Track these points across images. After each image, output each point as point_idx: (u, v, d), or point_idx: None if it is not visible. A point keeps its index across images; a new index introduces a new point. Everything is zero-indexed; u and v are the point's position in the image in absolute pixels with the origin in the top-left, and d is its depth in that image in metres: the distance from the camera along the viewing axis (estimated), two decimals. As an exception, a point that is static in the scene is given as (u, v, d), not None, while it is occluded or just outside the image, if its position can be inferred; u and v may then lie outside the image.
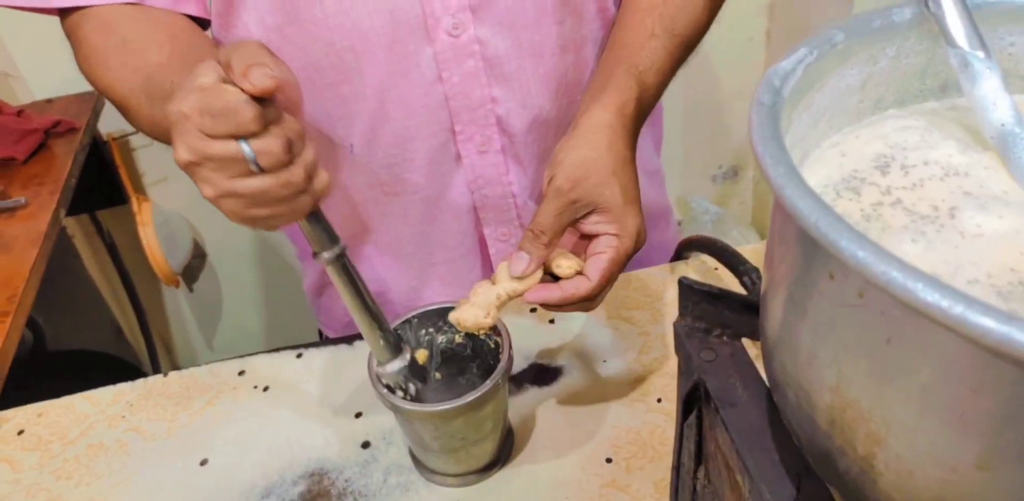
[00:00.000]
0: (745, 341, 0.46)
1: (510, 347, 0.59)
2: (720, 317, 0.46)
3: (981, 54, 0.38)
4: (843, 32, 0.38)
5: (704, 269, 0.85)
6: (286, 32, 0.65)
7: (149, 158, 1.45)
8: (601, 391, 0.71)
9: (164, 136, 0.56)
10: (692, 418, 0.48)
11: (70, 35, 0.65)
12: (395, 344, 0.58)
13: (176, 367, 0.77)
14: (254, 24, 0.66)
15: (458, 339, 0.64)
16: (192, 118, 0.43)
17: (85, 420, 0.72)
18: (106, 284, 1.53)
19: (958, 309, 0.21)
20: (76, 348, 1.36)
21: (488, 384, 0.56)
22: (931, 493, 0.27)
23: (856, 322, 0.27)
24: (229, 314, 1.73)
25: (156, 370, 1.56)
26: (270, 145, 0.44)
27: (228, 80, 0.43)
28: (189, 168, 0.46)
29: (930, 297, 0.22)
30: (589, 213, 0.57)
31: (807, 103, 0.37)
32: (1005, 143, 0.37)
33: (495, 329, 0.59)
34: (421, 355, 0.63)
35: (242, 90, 0.42)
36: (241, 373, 0.76)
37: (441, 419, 0.57)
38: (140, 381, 0.76)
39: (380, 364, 0.58)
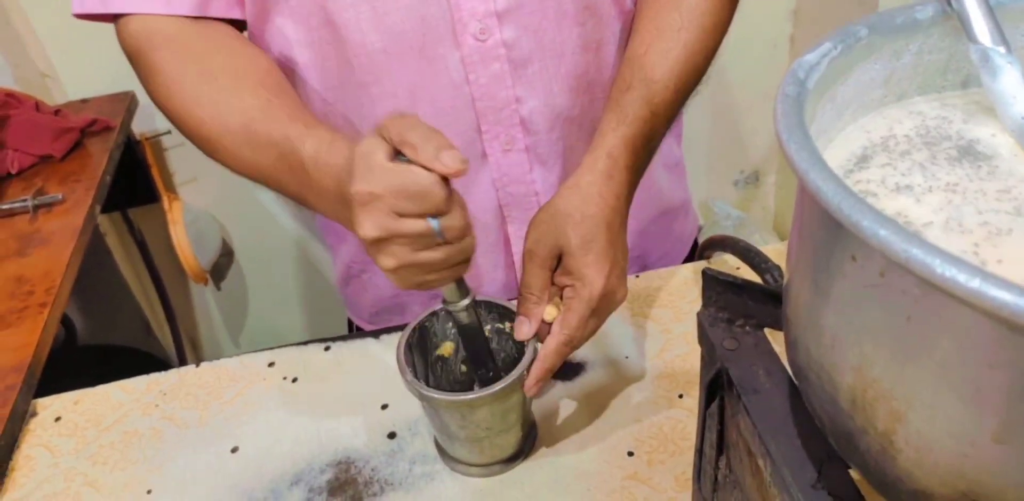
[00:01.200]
0: (767, 332, 0.47)
1: (535, 338, 0.60)
2: (743, 307, 0.47)
3: (1002, 49, 0.39)
4: (867, 28, 0.39)
5: (726, 268, 0.86)
6: (320, 33, 0.68)
7: (180, 158, 1.48)
8: (623, 386, 0.72)
9: (264, 182, 0.61)
10: (714, 407, 0.49)
11: (137, 56, 0.65)
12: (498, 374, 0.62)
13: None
14: (289, 26, 0.68)
15: (485, 331, 0.65)
16: (384, 198, 0.46)
17: (120, 408, 0.74)
18: (136, 281, 1.56)
19: (975, 283, 0.22)
20: (106, 343, 1.38)
21: (514, 375, 0.58)
22: (950, 468, 0.27)
23: (878, 302, 0.28)
24: (255, 311, 1.75)
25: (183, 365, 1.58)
26: (455, 221, 0.48)
27: (394, 155, 0.47)
28: (375, 244, 0.48)
29: (948, 272, 0.23)
30: (558, 264, 0.61)
31: (831, 95, 0.38)
32: (1026, 136, 0.38)
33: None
34: (447, 348, 0.65)
35: (431, 170, 0.45)
36: (271, 365, 0.77)
37: (468, 408, 0.58)
38: (173, 371, 0.78)
39: (450, 303, 0.59)
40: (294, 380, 0.76)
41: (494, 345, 0.66)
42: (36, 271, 0.90)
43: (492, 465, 0.65)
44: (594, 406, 0.70)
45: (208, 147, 0.63)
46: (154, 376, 0.77)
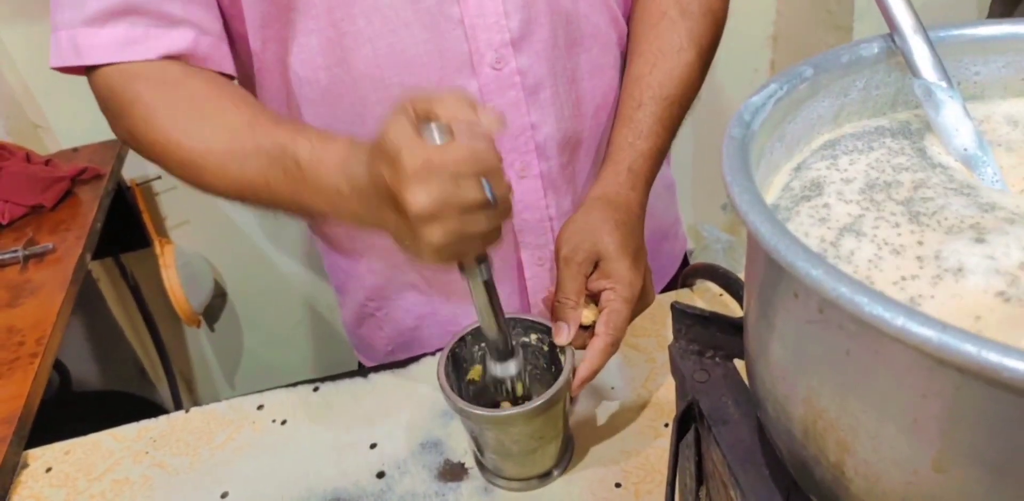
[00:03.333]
0: (738, 362, 0.48)
1: (573, 350, 0.62)
2: (712, 339, 0.48)
3: (944, 84, 0.40)
4: (812, 67, 0.40)
5: (709, 296, 0.87)
6: (334, 71, 0.68)
7: (171, 202, 1.50)
8: (610, 417, 0.72)
9: (254, 195, 0.60)
10: (690, 438, 0.49)
11: (107, 93, 0.64)
12: (512, 349, 0.62)
13: (198, 405, 0.80)
14: (300, 65, 0.68)
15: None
16: (445, 166, 0.46)
17: (111, 456, 0.74)
18: (130, 325, 1.56)
19: (899, 321, 0.23)
20: (101, 389, 1.39)
21: (559, 384, 0.59)
22: (897, 496, 0.28)
23: (819, 336, 0.29)
24: (250, 352, 1.76)
25: (178, 408, 1.58)
26: (502, 181, 0.48)
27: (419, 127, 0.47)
28: (428, 217, 0.47)
29: (875, 310, 0.24)
30: (593, 271, 0.64)
31: (780, 134, 0.39)
32: (970, 165, 0.39)
33: (550, 331, 0.64)
34: (476, 372, 0.66)
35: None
36: (260, 407, 0.78)
37: (525, 419, 0.59)
38: (163, 417, 0.78)
39: (499, 362, 0.62)
40: (283, 422, 0.76)
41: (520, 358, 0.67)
42: (26, 321, 0.91)
43: (532, 479, 0.66)
44: (581, 438, 0.70)
45: (191, 172, 0.62)
46: (144, 423, 0.78)
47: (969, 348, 0.22)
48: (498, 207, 0.49)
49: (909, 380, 0.26)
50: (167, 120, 0.61)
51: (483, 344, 0.66)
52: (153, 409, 0.87)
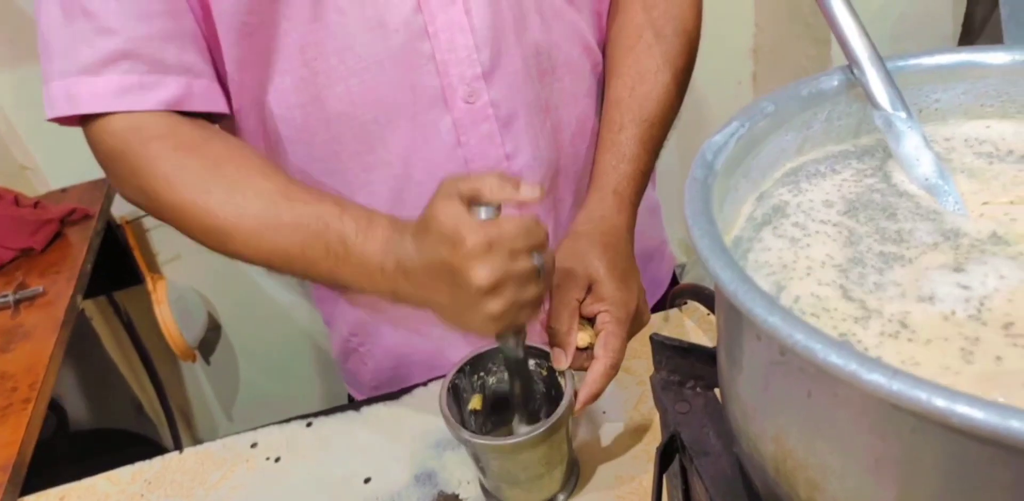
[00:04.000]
0: (719, 391, 0.48)
1: (573, 374, 0.63)
2: (691, 369, 0.48)
3: (903, 114, 0.41)
4: (773, 103, 0.41)
5: (698, 315, 0.87)
6: (308, 110, 0.69)
7: (162, 237, 1.50)
8: (602, 442, 0.72)
9: (286, 265, 0.61)
10: (676, 468, 0.50)
11: (122, 153, 0.63)
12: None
13: (196, 439, 0.80)
14: (275, 104, 0.69)
15: (507, 376, 0.67)
16: (502, 243, 0.51)
17: (106, 500, 0.74)
18: (125, 362, 1.56)
19: (852, 367, 0.24)
20: (98, 427, 1.38)
21: (560, 411, 0.60)
22: (866, 534, 0.29)
23: (783, 378, 0.29)
24: (246, 385, 1.75)
25: (177, 443, 1.57)
26: (550, 254, 0.54)
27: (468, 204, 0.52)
28: (489, 291, 0.52)
29: (828, 357, 0.25)
30: (585, 295, 0.65)
31: (745, 170, 0.40)
32: (932, 193, 0.40)
33: (549, 356, 0.64)
34: (476, 401, 0.67)
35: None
36: (253, 445, 0.78)
37: (529, 447, 0.60)
38: (157, 459, 0.78)
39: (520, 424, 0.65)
40: (277, 459, 0.76)
41: (515, 391, 0.67)
42: (19, 366, 0.91)
43: None
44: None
45: (218, 239, 0.62)
46: (139, 465, 0.78)
47: (919, 394, 0.23)
48: (544, 276, 0.54)
49: (868, 422, 0.26)
50: (192, 185, 0.61)
51: (481, 374, 0.67)
52: (151, 446, 0.86)
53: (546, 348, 0.64)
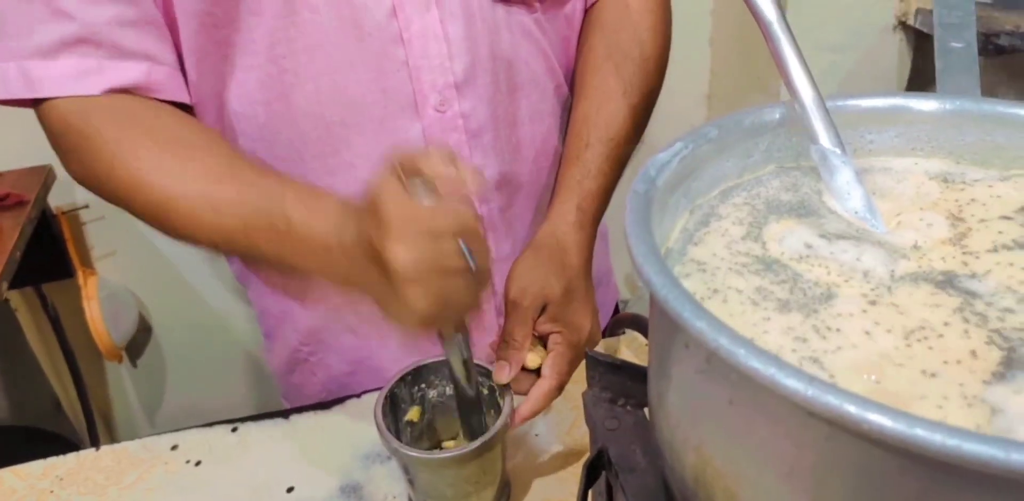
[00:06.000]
0: (648, 411, 0.49)
1: (510, 390, 0.63)
2: (624, 387, 0.49)
3: (838, 150, 0.43)
4: (717, 128, 0.43)
5: (636, 345, 0.88)
6: (273, 107, 0.67)
7: (98, 232, 1.46)
8: (532, 465, 0.72)
9: (228, 244, 0.58)
10: (602, 486, 0.50)
11: (61, 127, 0.62)
12: (484, 427, 0.63)
13: (115, 442, 0.77)
14: (236, 101, 0.67)
15: (448, 391, 0.67)
16: (421, 219, 0.46)
17: (12, 495, 0.71)
18: (47, 358, 1.51)
19: (770, 371, 0.25)
20: (12, 424, 1.33)
21: (495, 429, 0.59)
22: (777, 543, 0.29)
23: (706, 386, 0.30)
24: (172, 391, 1.71)
25: (95, 446, 1.52)
26: (484, 246, 0.49)
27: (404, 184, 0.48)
28: (409, 274, 0.47)
29: (748, 361, 0.25)
30: (541, 313, 0.65)
31: (685, 190, 0.41)
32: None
33: (491, 375, 0.63)
34: (414, 413, 0.66)
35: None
36: (174, 447, 0.76)
37: (455, 464, 0.59)
38: (72, 455, 0.75)
39: (470, 439, 0.63)
40: (197, 463, 0.74)
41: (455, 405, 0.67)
42: (-67, 352, 0.87)
43: None
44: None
45: (159, 214, 0.59)
46: (51, 460, 0.75)
47: (832, 400, 0.24)
48: (478, 274, 0.49)
49: (784, 430, 0.27)
50: (134, 159, 0.59)
51: (422, 385, 0.66)
52: (67, 446, 0.82)
53: (489, 366, 0.64)
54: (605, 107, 0.74)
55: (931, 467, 0.24)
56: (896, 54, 1.71)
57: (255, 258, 0.59)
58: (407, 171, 0.48)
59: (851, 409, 0.23)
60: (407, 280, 0.47)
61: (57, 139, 0.63)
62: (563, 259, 0.67)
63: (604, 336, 0.90)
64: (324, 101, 0.67)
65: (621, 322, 0.86)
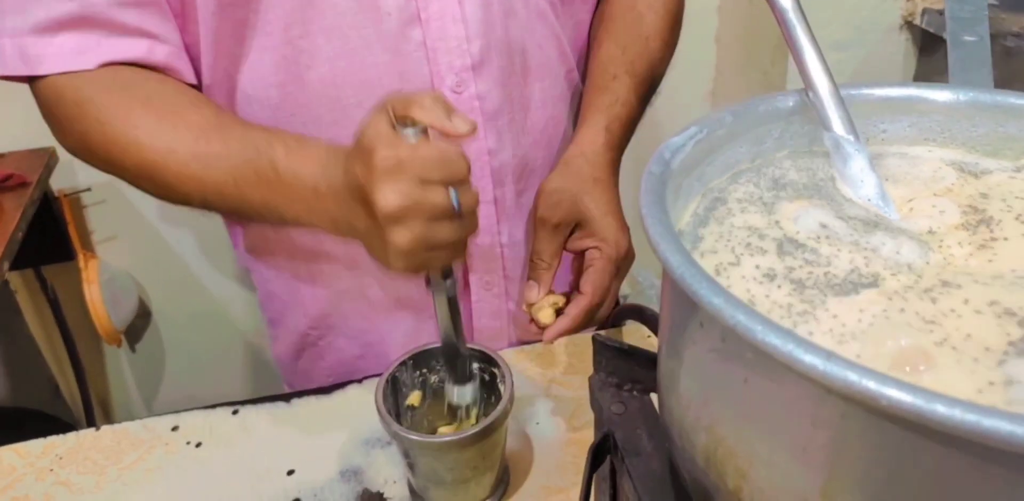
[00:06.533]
0: (654, 396, 0.49)
1: (511, 376, 0.62)
2: (631, 372, 0.49)
3: (852, 138, 0.43)
4: (732, 114, 0.43)
5: (638, 336, 0.88)
6: (287, 89, 0.67)
7: (100, 215, 1.46)
8: (533, 453, 0.72)
9: (219, 197, 0.58)
10: (606, 471, 0.50)
11: (56, 99, 0.62)
12: (470, 374, 0.62)
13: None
14: (249, 83, 0.67)
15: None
16: (412, 165, 0.47)
17: (12, 473, 0.71)
18: (46, 340, 1.51)
19: (788, 347, 0.25)
20: (9, 405, 1.33)
21: (495, 414, 0.59)
22: (787, 522, 0.29)
23: (721, 365, 0.30)
24: (171, 376, 1.71)
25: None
26: (470, 191, 0.49)
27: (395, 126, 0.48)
28: (394, 216, 0.47)
29: (766, 337, 0.25)
30: (573, 231, 0.64)
31: (699, 174, 0.42)
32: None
33: (493, 361, 0.64)
34: (415, 397, 0.66)
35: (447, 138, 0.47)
36: (175, 428, 0.76)
37: (457, 448, 0.59)
38: (72, 434, 0.75)
39: (456, 385, 0.62)
40: (198, 445, 0.74)
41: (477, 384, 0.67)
42: (-66, 330, 0.87)
43: None
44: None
45: (150, 173, 0.60)
46: (51, 439, 0.75)
47: (851, 376, 0.24)
48: (464, 218, 0.50)
49: (800, 408, 0.27)
50: (124, 120, 0.60)
51: (424, 370, 0.66)
52: (64, 429, 0.82)
53: (489, 352, 0.64)
54: (631, 48, 0.75)
55: (947, 444, 0.24)
56: (902, 53, 1.70)
57: (247, 211, 0.60)
58: (399, 115, 0.49)
59: (870, 385, 0.24)
60: (392, 221, 0.48)
61: (50, 111, 0.63)
62: (594, 174, 0.66)
63: (606, 327, 0.91)
64: (340, 83, 0.67)
65: (624, 313, 0.86)
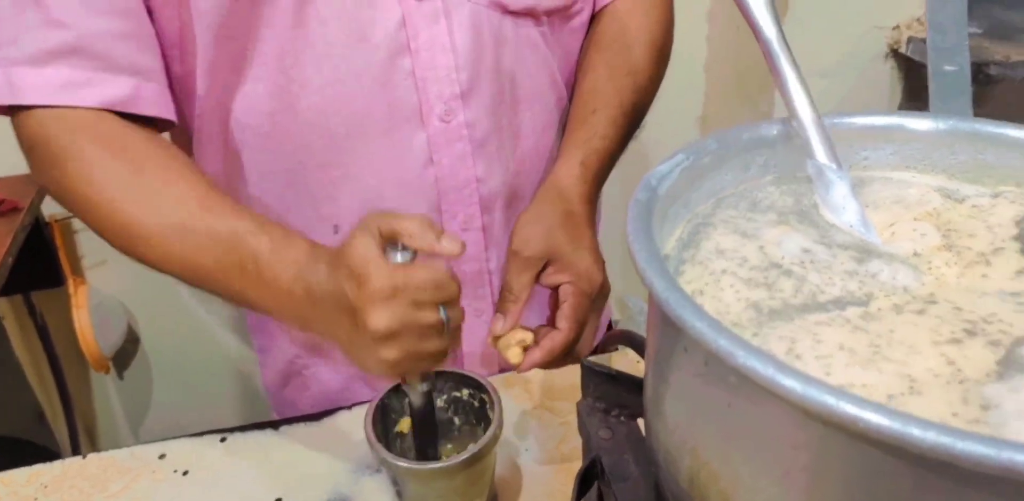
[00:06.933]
0: (641, 422, 0.49)
1: (499, 402, 0.62)
2: (618, 398, 0.49)
3: (834, 166, 0.44)
4: (717, 141, 0.44)
5: (627, 362, 0.88)
6: (278, 118, 0.68)
7: (90, 240, 1.46)
8: (521, 478, 0.72)
9: (193, 276, 0.59)
10: (594, 496, 0.50)
11: (44, 142, 0.61)
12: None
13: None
14: (243, 112, 0.68)
15: (440, 403, 0.66)
16: (407, 291, 0.49)
17: (-6, 501, 0.70)
18: (33, 367, 1.49)
19: (769, 371, 0.25)
20: (-7, 434, 1.31)
21: (484, 440, 0.59)
22: (771, 546, 0.30)
23: (704, 389, 0.31)
24: (158, 403, 1.69)
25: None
26: (458, 309, 0.52)
27: (383, 248, 0.50)
28: (385, 337, 0.49)
29: (748, 362, 0.26)
30: (546, 266, 0.64)
31: (685, 201, 0.42)
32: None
33: (482, 387, 0.64)
34: (405, 423, 0.65)
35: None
36: (162, 456, 0.75)
37: (446, 475, 0.59)
38: (57, 462, 0.74)
39: (412, 386, 0.61)
40: (185, 473, 0.73)
41: (450, 414, 0.67)
42: (-80, 356, 0.87)
43: None
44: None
45: (128, 240, 0.60)
46: (37, 468, 0.74)
47: (829, 400, 0.24)
48: (451, 332, 0.52)
49: (781, 432, 0.27)
50: (110, 182, 0.59)
51: None
52: (49, 457, 0.81)
53: (480, 379, 0.64)
54: (612, 82, 0.74)
55: (924, 466, 0.24)
56: (887, 81, 1.73)
57: (220, 294, 0.60)
58: (385, 235, 0.51)
59: (848, 408, 0.24)
60: (383, 340, 0.50)
61: (30, 149, 0.62)
62: (567, 208, 0.66)
63: (596, 352, 0.91)
64: (329, 111, 0.68)
65: (613, 338, 0.86)
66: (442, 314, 0.51)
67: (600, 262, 0.66)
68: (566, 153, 0.72)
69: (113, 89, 0.61)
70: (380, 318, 0.49)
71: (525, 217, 0.66)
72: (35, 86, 0.60)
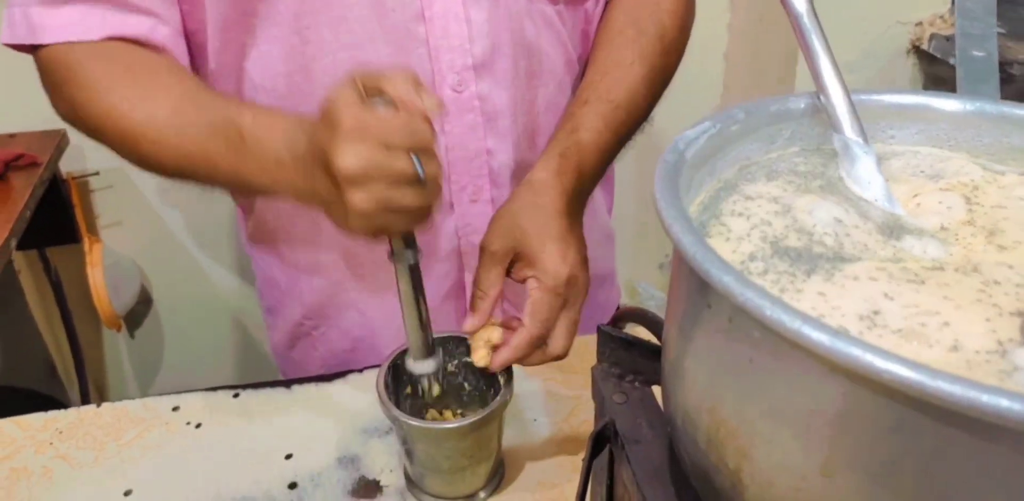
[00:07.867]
0: (655, 389, 0.50)
1: (511, 366, 0.63)
2: (633, 363, 0.50)
3: (861, 140, 0.44)
4: (744, 111, 0.44)
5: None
6: (294, 79, 0.69)
7: (106, 200, 1.47)
8: (529, 449, 0.73)
9: (192, 167, 0.60)
10: (604, 461, 0.51)
11: (52, 64, 0.64)
12: (432, 346, 0.62)
13: (112, 404, 0.78)
14: (257, 72, 0.69)
15: (450, 368, 0.67)
16: (376, 129, 0.47)
17: (12, 444, 0.72)
18: (46, 322, 1.51)
19: (796, 324, 0.26)
20: (5, 384, 1.33)
21: (494, 405, 0.60)
22: None
23: (726, 345, 0.31)
24: (169, 362, 1.71)
25: (85, 409, 1.53)
26: (434, 161, 0.49)
27: (366, 99, 0.48)
28: (354, 179, 0.47)
29: (774, 314, 0.26)
30: (514, 261, 0.63)
31: (710, 168, 0.43)
32: (879, 214, 0.43)
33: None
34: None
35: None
36: (175, 409, 0.77)
37: (456, 435, 0.60)
38: (73, 409, 0.76)
39: (416, 360, 0.62)
40: (198, 425, 0.75)
41: (461, 379, 0.67)
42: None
43: (458, 498, 0.66)
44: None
45: (130, 142, 0.61)
46: (52, 413, 0.76)
47: (855, 351, 0.25)
48: (427, 185, 0.49)
49: (803, 386, 0.28)
50: (108, 90, 0.61)
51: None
52: (58, 409, 0.83)
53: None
54: (612, 73, 0.73)
55: (947, 420, 0.25)
56: (909, 77, 1.72)
57: (218, 180, 0.61)
58: (368, 89, 0.49)
59: (874, 360, 0.25)
60: (351, 183, 0.48)
61: (45, 78, 0.65)
62: (536, 201, 0.64)
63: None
64: (343, 75, 0.68)
65: (626, 316, 0.87)
66: (416, 165, 0.48)
67: (574, 256, 0.64)
68: (548, 145, 0.70)
69: (128, 27, 0.64)
70: (346, 156, 0.47)
71: (496, 214, 0.65)
72: (51, 26, 0.62)
